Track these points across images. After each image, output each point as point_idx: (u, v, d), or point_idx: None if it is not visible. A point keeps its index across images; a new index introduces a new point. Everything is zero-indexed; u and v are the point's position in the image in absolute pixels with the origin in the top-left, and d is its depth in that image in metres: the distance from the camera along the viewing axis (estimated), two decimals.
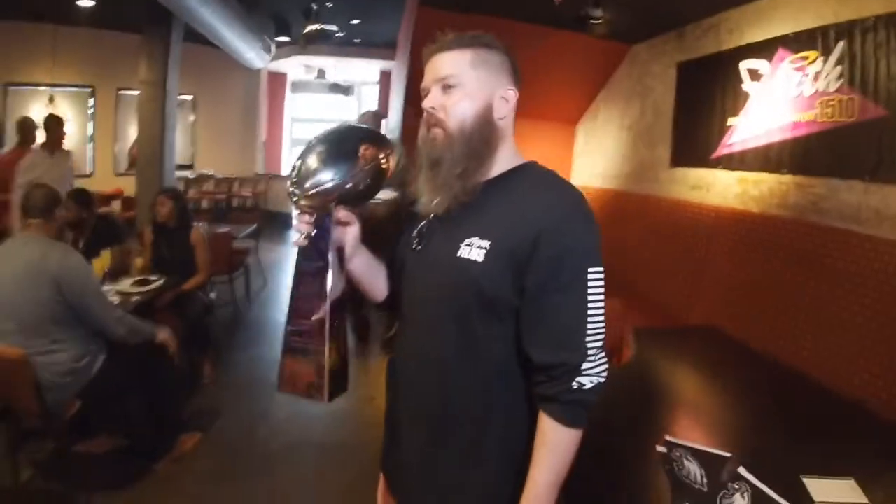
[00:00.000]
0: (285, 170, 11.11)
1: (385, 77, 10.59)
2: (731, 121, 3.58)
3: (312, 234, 1.13)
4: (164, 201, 3.79)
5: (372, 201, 1.19)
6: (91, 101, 8.66)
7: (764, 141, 3.31)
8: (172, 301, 3.62)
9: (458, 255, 1.09)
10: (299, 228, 1.14)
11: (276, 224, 9.55)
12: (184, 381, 3.22)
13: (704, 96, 3.86)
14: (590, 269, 1.06)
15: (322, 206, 1.11)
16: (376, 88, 10.97)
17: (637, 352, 2.88)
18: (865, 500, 1.64)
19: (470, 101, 1.11)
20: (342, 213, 1.15)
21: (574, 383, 1.04)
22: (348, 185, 1.10)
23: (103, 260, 3.40)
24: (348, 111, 11.65)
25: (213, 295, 4.65)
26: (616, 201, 5.23)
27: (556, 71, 5.18)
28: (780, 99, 3.17)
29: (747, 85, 3.43)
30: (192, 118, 9.84)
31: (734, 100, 3.54)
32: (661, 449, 1.87)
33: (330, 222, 1.12)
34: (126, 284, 3.33)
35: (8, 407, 2.29)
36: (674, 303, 4.00)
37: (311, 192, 1.09)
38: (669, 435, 1.95)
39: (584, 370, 1.05)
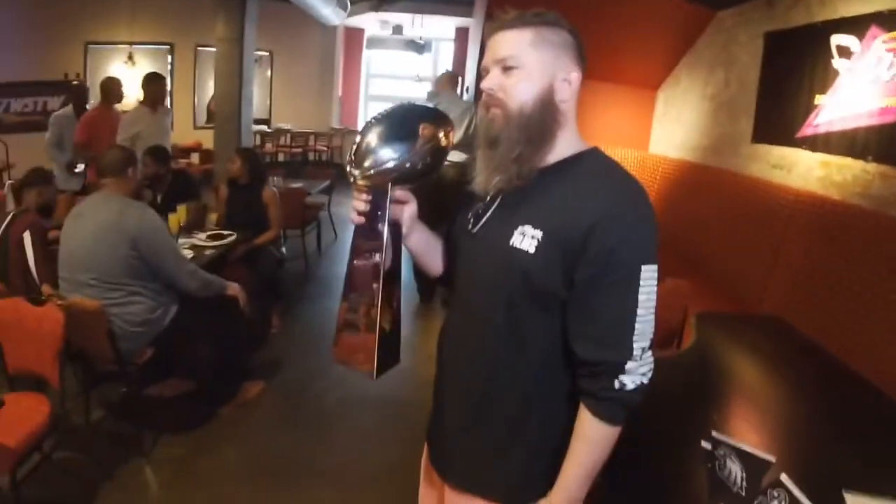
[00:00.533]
0: (360, 124, 11.26)
1: (461, 34, 10.45)
2: (818, 99, 3.36)
3: (368, 211, 1.15)
4: (234, 159, 4.00)
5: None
6: (170, 58, 9.03)
7: (851, 124, 3.10)
8: (244, 255, 3.84)
9: (511, 243, 1.08)
10: (356, 206, 1.16)
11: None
12: (252, 333, 3.42)
13: (791, 70, 3.63)
14: (643, 267, 1.03)
15: (380, 185, 1.13)
16: (452, 45, 10.86)
17: (697, 338, 2.84)
18: None
19: (530, 82, 1.08)
20: (399, 193, 1.17)
21: (616, 382, 1.04)
22: (406, 165, 1.11)
23: (179, 214, 3.63)
24: (424, 67, 11.63)
25: (283, 249, 4.88)
26: (692, 174, 5.04)
27: (637, 34, 4.99)
28: (870, 80, 2.95)
29: (837, 62, 3.21)
30: (268, 73, 10.10)
31: (823, 77, 3.32)
32: (705, 445, 1.87)
33: (387, 200, 1.14)
34: (200, 238, 3.56)
35: (82, 352, 2.51)
36: (743, 287, 3.87)
37: (369, 173, 1.11)
38: (717, 430, 1.94)
39: (628, 370, 1.04)
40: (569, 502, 1.11)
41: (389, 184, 1.13)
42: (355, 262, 1.19)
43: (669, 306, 3.76)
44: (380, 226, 1.15)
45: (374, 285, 1.14)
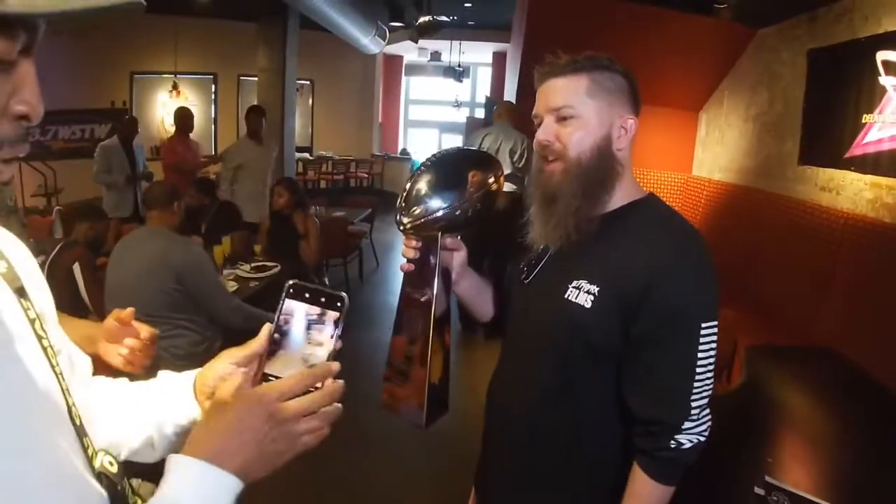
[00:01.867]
0: (400, 150, 11.44)
1: (498, 58, 10.60)
2: (865, 118, 3.29)
3: (417, 258, 1.16)
4: (281, 192, 4.13)
5: None
6: (213, 88, 9.40)
7: None
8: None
9: (566, 296, 1.07)
10: (406, 254, 1.16)
11: (391, 204, 9.91)
12: None
13: (837, 88, 3.56)
14: (703, 325, 1.01)
15: (430, 234, 1.13)
16: (490, 70, 11.00)
17: (747, 374, 2.77)
18: None
19: (587, 132, 1.07)
20: (449, 241, 1.17)
21: (672, 442, 1.02)
22: (457, 213, 1.10)
23: (224, 246, 3.74)
24: (462, 93, 11.78)
25: (326, 279, 4.97)
26: (737, 197, 4.96)
27: (676, 55, 4.98)
28: None
29: (883, 79, 3.13)
30: (310, 102, 10.40)
31: (869, 94, 3.24)
32: (759, 491, 1.82)
33: (437, 248, 1.14)
34: (245, 270, 3.65)
35: None
36: (793, 316, 3.76)
37: (419, 221, 1.11)
38: (770, 474, 1.89)
39: (685, 429, 1.02)
40: None
41: (440, 233, 1.13)
42: (405, 308, 1.18)
43: (718, 339, 3.69)
44: (430, 274, 1.14)
45: (424, 333, 1.14)
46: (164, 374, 0.82)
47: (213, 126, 9.54)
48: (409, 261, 1.16)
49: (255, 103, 5.96)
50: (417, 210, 1.10)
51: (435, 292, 1.13)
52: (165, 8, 7.54)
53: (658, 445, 1.03)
